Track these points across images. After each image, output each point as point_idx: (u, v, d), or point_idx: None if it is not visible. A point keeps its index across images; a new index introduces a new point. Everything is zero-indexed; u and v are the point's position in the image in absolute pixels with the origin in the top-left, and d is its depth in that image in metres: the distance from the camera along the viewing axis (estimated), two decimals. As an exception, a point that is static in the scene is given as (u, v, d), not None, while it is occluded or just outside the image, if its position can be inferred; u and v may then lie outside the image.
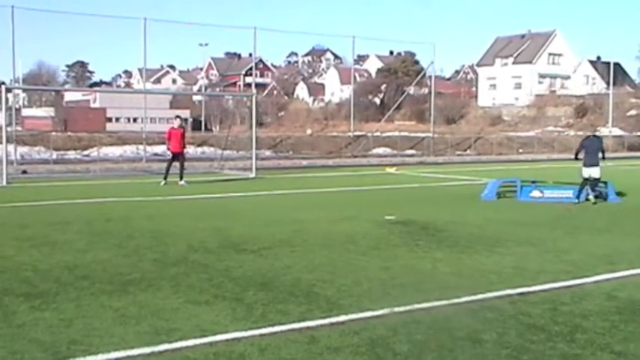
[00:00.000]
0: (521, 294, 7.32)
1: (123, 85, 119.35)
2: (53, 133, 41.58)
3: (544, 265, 8.87)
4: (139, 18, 34.93)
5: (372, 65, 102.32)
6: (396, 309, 6.61)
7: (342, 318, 6.32)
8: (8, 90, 27.64)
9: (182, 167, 20.72)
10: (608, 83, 63.13)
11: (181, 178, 20.47)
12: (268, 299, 7.00)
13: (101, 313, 6.49)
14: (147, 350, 5.42)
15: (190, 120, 65.96)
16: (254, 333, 5.87)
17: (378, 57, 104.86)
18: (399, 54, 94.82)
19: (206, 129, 64.22)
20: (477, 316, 6.46)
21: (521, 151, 47.57)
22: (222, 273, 8.23)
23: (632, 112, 67.46)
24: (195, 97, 76.49)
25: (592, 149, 16.40)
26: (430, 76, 51.10)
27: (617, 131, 56.61)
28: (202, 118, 67.12)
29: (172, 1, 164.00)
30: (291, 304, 6.81)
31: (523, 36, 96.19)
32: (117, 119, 64.70)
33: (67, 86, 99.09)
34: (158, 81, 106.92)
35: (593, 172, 16.16)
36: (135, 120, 56.16)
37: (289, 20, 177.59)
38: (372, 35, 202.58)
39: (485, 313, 6.58)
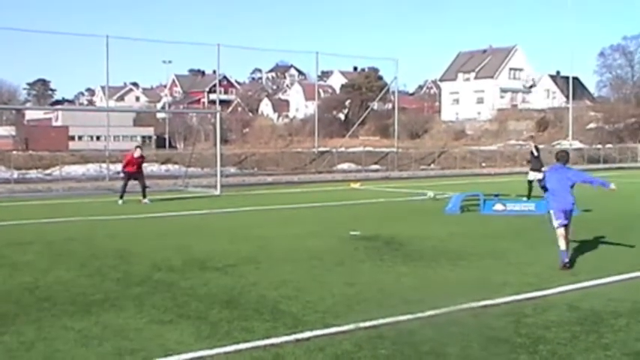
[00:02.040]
0: (485, 307, 7.39)
1: (85, 103, 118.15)
2: (14, 152, 40.95)
3: (507, 278, 8.97)
4: (101, 35, 34.90)
5: (336, 81, 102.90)
6: (361, 324, 6.63)
7: (307, 334, 6.33)
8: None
9: (143, 186, 20.61)
10: (567, 97, 64.22)
11: (144, 197, 20.34)
12: (233, 317, 6.97)
13: (63, 334, 6.39)
14: (110, 371, 5.35)
15: (154, 137, 65.66)
16: (219, 351, 5.85)
17: (342, 73, 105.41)
18: (363, 70, 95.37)
19: (170, 146, 63.91)
20: (440, 330, 6.51)
21: (484, 164, 48.09)
22: (187, 292, 8.17)
23: (592, 125, 68.70)
24: (159, 115, 76.04)
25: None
26: (394, 92, 51.60)
27: (577, 144, 57.58)
28: (166, 136, 66.85)
29: (135, 19, 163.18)
30: (256, 322, 6.79)
31: (484, 51, 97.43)
32: (79, 137, 64.13)
33: (28, 105, 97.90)
34: (121, 98, 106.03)
35: None
36: (98, 138, 55.70)
37: (253, 36, 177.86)
38: (335, 51, 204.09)
39: (449, 326, 6.64)
